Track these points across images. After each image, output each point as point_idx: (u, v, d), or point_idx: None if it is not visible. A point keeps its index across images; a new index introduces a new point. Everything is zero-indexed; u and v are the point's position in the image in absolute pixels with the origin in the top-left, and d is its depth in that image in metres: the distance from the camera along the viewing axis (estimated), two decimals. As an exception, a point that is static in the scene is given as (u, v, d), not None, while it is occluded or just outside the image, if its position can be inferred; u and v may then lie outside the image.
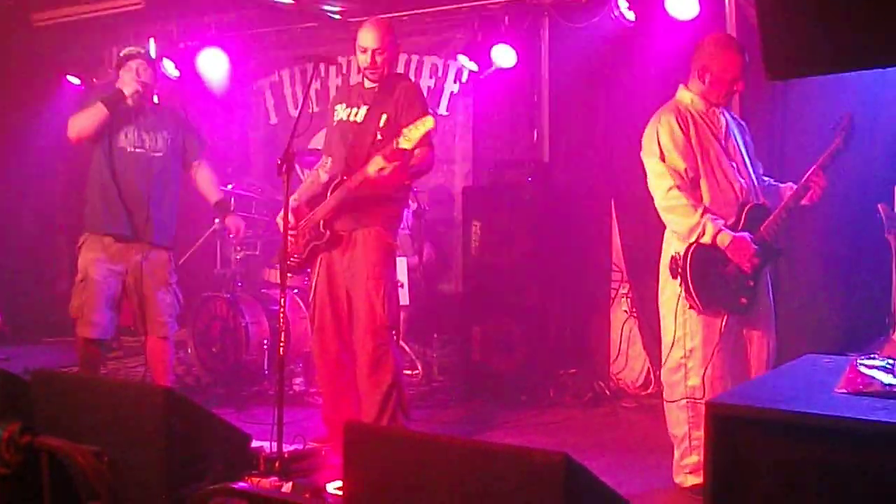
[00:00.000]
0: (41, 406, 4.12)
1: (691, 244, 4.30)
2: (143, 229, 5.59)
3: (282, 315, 4.57)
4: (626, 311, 6.71)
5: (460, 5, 7.55)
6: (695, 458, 4.30)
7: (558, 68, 7.27)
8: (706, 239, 4.27)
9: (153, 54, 6.01)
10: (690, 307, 4.30)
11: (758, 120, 5.77)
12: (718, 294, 4.31)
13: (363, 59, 4.94)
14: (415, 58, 8.00)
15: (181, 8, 8.13)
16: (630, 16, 6.34)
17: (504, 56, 7.25)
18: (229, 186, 7.30)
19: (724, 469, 2.63)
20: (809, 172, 4.33)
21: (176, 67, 8.33)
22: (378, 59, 4.90)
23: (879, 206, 5.16)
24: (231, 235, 6.14)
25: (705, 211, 4.32)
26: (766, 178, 4.65)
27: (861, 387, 2.83)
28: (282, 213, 4.80)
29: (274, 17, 8.29)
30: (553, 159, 7.30)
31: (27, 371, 4.42)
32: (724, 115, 4.52)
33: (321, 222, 4.90)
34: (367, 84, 5.02)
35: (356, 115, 4.96)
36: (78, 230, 8.86)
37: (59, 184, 9.89)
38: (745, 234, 4.31)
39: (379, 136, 4.75)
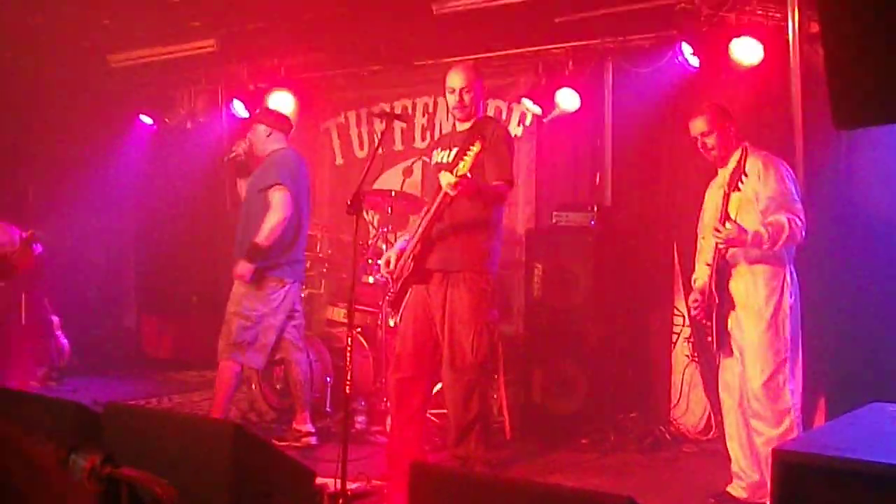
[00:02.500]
0: (111, 438, 4.23)
1: None
2: None
3: (348, 352, 4.64)
4: (687, 355, 6.69)
5: (525, 49, 7.64)
6: None
7: (621, 112, 7.31)
8: None
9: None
10: None
11: (821, 169, 5.80)
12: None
13: (451, 100, 5.24)
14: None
15: (251, 50, 8.32)
16: (694, 62, 6.37)
17: (568, 100, 7.31)
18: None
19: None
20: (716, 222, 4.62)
21: (245, 108, 8.53)
22: (465, 97, 5.18)
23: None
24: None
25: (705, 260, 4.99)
26: None
27: (928, 436, 2.82)
28: (389, 252, 5.26)
29: (341, 59, 8.46)
30: (615, 202, 7.32)
31: (96, 403, 4.53)
32: (721, 171, 4.98)
33: (410, 255, 5.04)
34: (459, 127, 5.28)
35: (448, 156, 5.17)
36: (147, 266, 9.15)
37: (130, 220, 10.16)
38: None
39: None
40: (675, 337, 6.79)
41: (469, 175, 4.60)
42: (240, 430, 4.12)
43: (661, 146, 7.07)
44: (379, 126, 8.68)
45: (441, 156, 5.26)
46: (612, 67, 7.34)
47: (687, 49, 6.34)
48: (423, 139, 8.59)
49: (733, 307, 4.72)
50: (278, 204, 6.04)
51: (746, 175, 4.52)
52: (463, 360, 5.05)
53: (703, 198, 5.17)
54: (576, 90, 7.26)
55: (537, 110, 7.54)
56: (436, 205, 4.97)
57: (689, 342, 6.66)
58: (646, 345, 6.94)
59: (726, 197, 4.56)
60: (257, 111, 6.53)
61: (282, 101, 8.44)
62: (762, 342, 4.64)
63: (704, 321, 4.87)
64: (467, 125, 5.22)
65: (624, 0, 6.53)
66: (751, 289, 4.70)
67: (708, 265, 4.88)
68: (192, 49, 8.11)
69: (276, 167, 6.19)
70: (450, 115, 7.96)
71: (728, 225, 4.48)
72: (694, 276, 5.13)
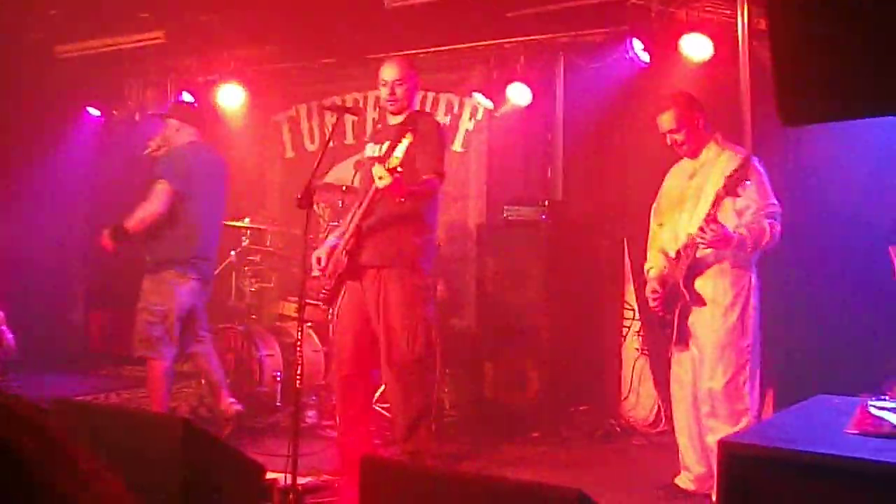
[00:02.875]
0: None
1: None
2: None
3: (299, 347, 4.61)
4: (637, 348, 6.75)
5: (476, 44, 7.65)
6: None
7: (573, 107, 7.36)
8: None
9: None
10: None
11: (770, 162, 5.86)
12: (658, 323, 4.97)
13: (384, 92, 5.15)
14: (430, 95, 8.10)
15: (201, 42, 8.23)
16: (645, 57, 6.42)
17: (519, 94, 7.35)
18: (246, 220, 7.37)
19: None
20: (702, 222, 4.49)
21: (195, 101, 8.45)
22: (398, 90, 5.09)
23: (891, 248, 5.20)
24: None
25: (662, 248, 4.94)
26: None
27: (871, 428, 2.87)
28: (320, 249, 5.12)
29: (292, 52, 8.41)
30: (566, 197, 7.36)
31: (43, 399, 4.47)
32: (691, 161, 4.89)
33: (343, 251, 5.00)
34: (392, 120, 5.19)
35: (380, 150, 5.09)
36: (94, 260, 9.03)
37: (77, 213, 10.01)
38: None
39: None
40: (625, 331, 6.84)
41: (400, 168, 4.50)
42: (188, 425, 4.09)
43: (611, 141, 7.13)
44: (330, 119, 8.67)
45: (374, 150, 5.17)
46: (564, 62, 7.37)
47: (637, 44, 6.38)
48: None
49: (697, 304, 4.66)
50: (154, 197, 6.01)
51: (749, 182, 4.38)
52: (400, 357, 4.98)
53: (659, 185, 5.15)
54: (527, 85, 7.29)
55: (489, 104, 7.56)
56: (367, 199, 4.91)
57: (639, 336, 6.72)
58: (596, 338, 6.99)
59: (719, 199, 4.42)
60: (168, 106, 6.45)
61: (232, 94, 8.39)
62: (726, 343, 4.60)
63: (663, 314, 4.82)
64: (400, 118, 5.16)
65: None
66: (719, 289, 4.64)
67: (665, 253, 4.85)
68: (141, 40, 8.01)
69: (165, 163, 6.13)
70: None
71: (713, 226, 4.39)
72: (647, 265, 5.06)
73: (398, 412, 5.10)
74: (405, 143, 4.55)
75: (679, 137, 4.77)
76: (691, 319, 4.71)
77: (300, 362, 4.63)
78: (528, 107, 7.45)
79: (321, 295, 5.20)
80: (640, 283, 6.61)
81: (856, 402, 3.41)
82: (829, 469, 2.56)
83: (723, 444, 2.74)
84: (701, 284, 4.66)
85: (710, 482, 4.75)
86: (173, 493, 3.91)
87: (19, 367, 8.63)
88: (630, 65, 6.57)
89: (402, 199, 4.75)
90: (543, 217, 6.75)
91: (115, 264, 9.75)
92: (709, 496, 4.77)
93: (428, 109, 8.11)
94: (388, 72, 5.14)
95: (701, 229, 4.43)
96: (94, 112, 9.26)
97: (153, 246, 6.11)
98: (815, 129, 5.73)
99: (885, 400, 3.11)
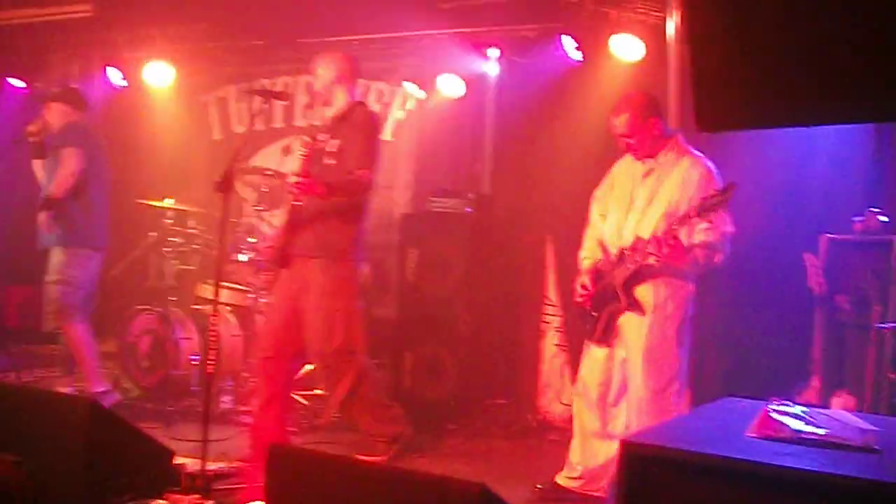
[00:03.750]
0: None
1: None
2: None
3: (212, 331, 4.56)
4: (556, 344, 6.78)
5: (411, 33, 7.61)
6: None
7: (505, 101, 7.37)
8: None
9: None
10: None
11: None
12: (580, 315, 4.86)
13: (317, 84, 5.29)
14: (361, 82, 8.04)
15: (129, 18, 8.08)
16: (576, 55, 6.46)
17: (451, 86, 7.35)
18: (170, 201, 7.25)
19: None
20: (654, 237, 4.36)
21: (122, 78, 8.31)
22: (321, 86, 5.27)
23: (806, 255, 5.31)
24: None
25: (600, 242, 4.82)
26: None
27: (771, 432, 2.92)
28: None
29: (221, 32, 8.28)
30: (494, 190, 7.38)
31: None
32: (644, 162, 4.68)
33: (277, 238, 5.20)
34: (330, 112, 5.29)
35: (322, 142, 5.18)
36: (10, 235, 8.88)
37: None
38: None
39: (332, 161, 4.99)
40: (545, 326, 6.87)
41: (300, 179, 4.78)
42: (95, 407, 4.03)
43: (541, 137, 7.13)
44: (258, 104, 8.56)
45: (321, 138, 5.25)
46: (498, 56, 7.36)
47: (568, 42, 6.41)
48: (305, 117, 8.49)
49: (636, 311, 4.49)
50: (67, 160, 6.19)
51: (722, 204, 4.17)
52: (321, 346, 5.06)
53: (588, 183, 5.04)
54: (460, 76, 7.29)
55: (420, 94, 7.55)
56: (290, 198, 5.09)
57: (558, 332, 6.75)
58: (516, 333, 7.01)
59: (688, 219, 4.22)
60: (53, 91, 6.54)
61: (159, 72, 8.25)
62: (661, 352, 4.47)
63: (590, 310, 4.69)
64: (340, 109, 5.25)
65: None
66: (660, 298, 4.48)
67: (603, 247, 4.75)
68: (68, 12, 7.85)
69: (67, 131, 6.30)
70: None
71: (671, 242, 4.24)
72: (582, 254, 4.89)
73: (328, 397, 5.36)
74: (302, 153, 4.96)
75: (632, 142, 4.62)
76: (622, 321, 4.57)
77: (213, 346, 4.56)
78: (460, 99, 7.45)
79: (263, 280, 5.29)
80: (564, 278, 6.66)
81: (761, 406, 3.48)
82: (728, 471, 2.59)
83: (624, 443, 2.76)
84: (642, 291, 4.50)
85: (598, 482, 4.73)
86: (78, 476, 3.85)
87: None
88: (562, 62, 6.60)
89: (323, 196, 4.87)
90: (468, 209, 6.75)
91: (26, 240, 9.57)
92: (593, 497, 4.73)
93: (357, 96, 8.09)
94: (318, 68, 5.29)
95: (658, 244, 4.26)
96: (17, 83, 9.02)
97: (67, 218, 6.23)
98: (739, 134, 5.83)
99: (787, 405, 3.16)
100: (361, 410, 5.36)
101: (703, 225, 4.31)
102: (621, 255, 4.56)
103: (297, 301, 5.12)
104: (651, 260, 4.40)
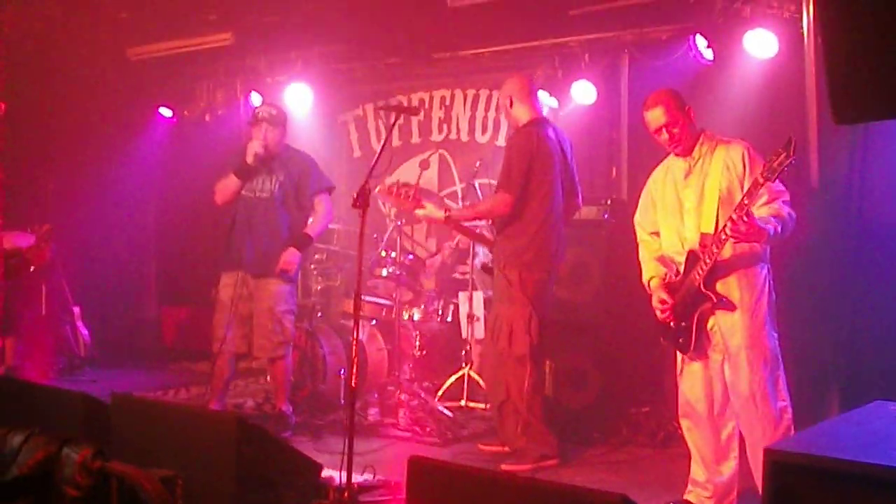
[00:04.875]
0: (119, 428, 4.28)
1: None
2: (243, 262, 6.29)
3: (354, 345, 4.65)
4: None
5: (541, 42, 7.62)
6: None
7: (638, 105, 7.24)
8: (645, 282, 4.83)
9: (280, 112, 6.52)
10: None
11: (836, 159, 5.75)
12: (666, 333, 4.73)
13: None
14: (496, 93, 8.09)
15: (268, 43, 8.36)
16: (708, 54, 6.34)
17: (584, 92, 7.31)
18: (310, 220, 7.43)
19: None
20: (728, 218, 4.21)
21: (263, 101, 8.57)
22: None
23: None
24: (279, 269, 6.21)
25: (660, 259, 4.75)
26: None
27: (929, 438, 2.79)
28: None
29: (358, 51, 8.48)
30: (631, 196, 7.28)
31: (114, 394, 4.55)
32: (685, 160, 4.59)
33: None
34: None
35: None
36: (168, 258, 9.25)
37: (150, 213, 10.24)
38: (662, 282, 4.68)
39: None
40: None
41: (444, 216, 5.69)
42: (242, 423, 4.16)
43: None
44: (388, 119, 8.74)
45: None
46: (629, 60, 7.29)
47: (701, 42, 6.32)
48: (441, 132, 8.61)
49: (726, 308, 4.38)
50: (325, 203, 6.53)
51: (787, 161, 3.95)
52: (501, 347, 5.59)
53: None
54: (592, 83, 7.25)
55: (553, 103, 7.52)
56: None
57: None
58: (657, 338, 6.87)
59: (757, 187, 4.06)
60: (269, 112, 6.38)
61: (299, 94, 8.49)
62: (757, 342, 4.37)
63: (677, 323, 4.56)
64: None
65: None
66: (743, 288, 4.40)
67: (667, 261, 4.69)
68: (210, 42, 8.16)
69: (316, 170, 6.59)
70: (467, 109, 8.28)
71: (746, 219, 4.07)
72: (646, 276, 4.81)
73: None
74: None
75: (675, 131, 4.51)
76: (712, 324, 4.46)
77: (354, 361, 4.64)
78: (593, 105, 7.41)
79: None
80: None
81: (915, 410, 3.33)
82: (883, 481, 2.49)
83: (768, 451, 2.68)
84: (723, 286, 4.39)
85: (729, 496, 4.62)
86: (228, 490, 3.99)
87: (93, 363, 8.87)
88: (694, 62, 6.49)
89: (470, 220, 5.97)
90: (606, 216, 6.69)
91: (187, 262, 10.00)
92: None
93: (492, 108, 8.16)
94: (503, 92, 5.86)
95: (734, 223, 4.11)
96: (166, 113, 9.45)
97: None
98: (883, 126, 5.61)
99: (941, 407, 3.02)
100: (514, 421, 5.54)
101: (763, 199, 4.23)
102: (692, 257, 4.45)
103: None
104: (726, 251, 4.32)
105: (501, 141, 8.08)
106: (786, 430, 4.38)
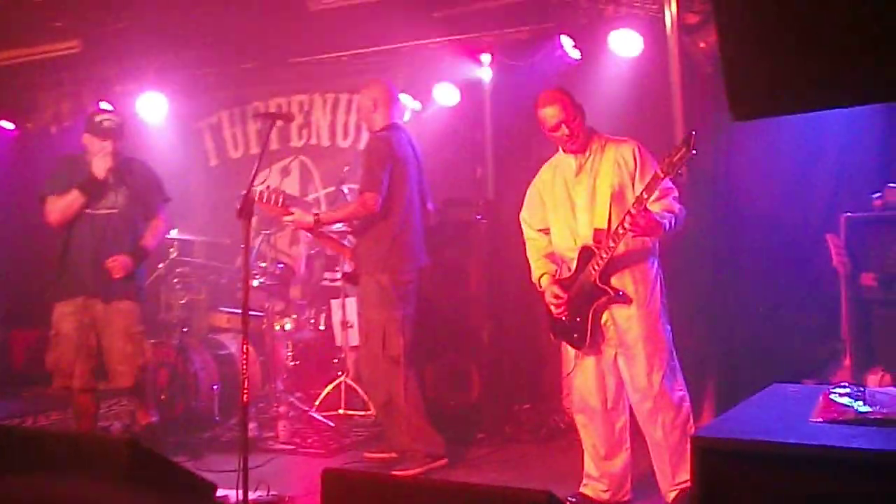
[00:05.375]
0: (3, 460, 4.02)
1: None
2: (92, 286, 5.72)
3: (244, 359, 4.52)
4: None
5: (402, 45, 7.58)
6: None
7: (501, 105, 7.33)
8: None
9: (123, 121, 6.06)
10: None
11: (701, 156, 5.91)
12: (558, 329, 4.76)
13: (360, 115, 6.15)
14: (356, 97, 8.02)
15: (117, 52, 8.02)
16: (575, 54, 6.44)
17: (446, 94, 7.32)
18: (174, 232, 7.21)
19: (710, 500, 2.67)
20: (626, 214, 4.28)
21: (114, 111, 8.25)
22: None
23: (828, 236, 5.30)
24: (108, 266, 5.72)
25: (549, 255, 4.80)
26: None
27: (836, 415, 2.90)
28: None
29: (212, 57, 8.24)
30: (498, 195, 7.34)
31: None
32: (576, 157, 4.65)
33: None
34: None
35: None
36: (12, 278, 8.71)
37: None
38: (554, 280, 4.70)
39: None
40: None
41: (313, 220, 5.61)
42: (135, 445, 3.96)
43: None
44: (253, 126, 8.57)
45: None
46: (491, 61, 7.32)
47: (567, 42, 6.40)
48: (301, 138, 8.49)
49: (623, 302, 4.45)
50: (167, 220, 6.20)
51: (687, 154, 4.04)
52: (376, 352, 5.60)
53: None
54: (454, 84, 7.27)
55: (416, 105, 7.51)
56: None
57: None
58: (536, 335, 6.96)
59: (656, 181, 4.13)
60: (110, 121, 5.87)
61: (152, 103, 8.21)
62: (653, 333, 4.46)
63: (571, 319, 4.58)
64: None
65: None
66: (638, 282, 4.48)
67: (558, 258, 4.73)
68: (56, 50, 7.77)
69: (158, 181, 6.16)
70: (327, 114, 8.22)
71: (644, 214, 4.17)
72: (537, 274, 4.81)
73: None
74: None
75: (573, 127, 4.55)
76: (606, 318, 4.52)
77: (245, 375, 4.50)
78: (456, 107, 7.43)
79: None
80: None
81: (813, 390, 3.46)
82: (800, 458, 2.57)
83: (695, 439, 2.73)
84: (618, 280, 4.46)
85: (623, 487, 4.73)
86: (123, 518, 3.80)
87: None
88: (559, 62, 6.58)
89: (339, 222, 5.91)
90: (479, 217, 6.72)
91: (32, 282, 9.49)
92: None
93: (353, 111, 8.10)
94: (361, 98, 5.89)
95: (633, 217, 4.18)
96: (7, 125, 8.97)
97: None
98: (745, 123, 5.83)
99: (845, 387, 3.15)
100: (398, 422, 5.55)
101: (658, 191, 4.27)
102: (585, 252, 4.50)
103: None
104: (620, 246, 4.39)
105: (363, 145, 8.02)
106: (685, 418, 4.48)
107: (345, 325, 7.00)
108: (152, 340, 6.97)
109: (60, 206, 5.70)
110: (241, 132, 8.73)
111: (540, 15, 6.72)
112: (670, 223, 4.34)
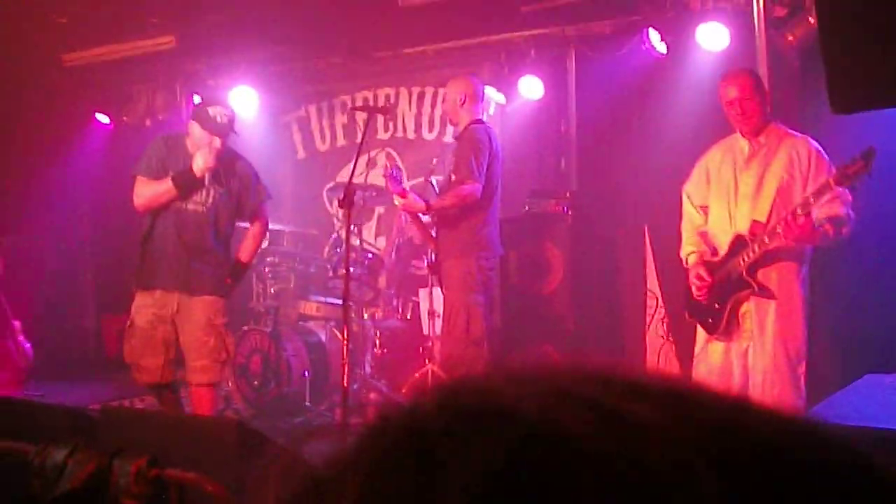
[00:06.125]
0: (109, 442, 4.20)
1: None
2: (173, 280, 5.44)
3: (345, 345, 4.65)
4: (661, 335, 6.80)
5: (487, 38, 7.69)
6: None
7: (585, 98, 7.39)
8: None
9: (235, 117, 5.76)
10: None
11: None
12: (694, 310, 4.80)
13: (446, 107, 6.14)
14: (441, 91, 8.13)
15: (210, 46, 8.25)
16: (661, 48, 6.48)
17: (531, 88, 7.40)
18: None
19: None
20: (785, 215, 4.26)
21: (213, 103, 8.48)
22: (447, 108, 6.02)
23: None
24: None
25: (702, 234, 4.78)
26: None
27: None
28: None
29: (300, 52, 8.43)
30: (582, 187, 7.41)
31: (84, 407, 4.47)
32: (749, 141, 4.60)
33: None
34: (455, 135, 5.99)
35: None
36: (106, 266, 8.93)
37: (85, 221, 10.02)
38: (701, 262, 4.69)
39: (452, 178, 5.68)
40: (648, 318, 6.89)
41: (400, 201, 5.74)
42: (242, 427, 4.13)
43: (629, 130, 7.16)
44: (341, 119, 8.74)
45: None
46: (575, 55, 7.39)
47: (654, 35, 6.43)
48: (386, 130, 8.62)
49: (766, 296, 4.43)
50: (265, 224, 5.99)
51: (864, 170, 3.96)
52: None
53: (682, 172, 5.00)
54: (539, 78, 7.35)
55: (501, 99, 7.60)
56: None
57: (663, 323, 6.77)
58: (620, 327, 7.04)
59: (825, 189, 4.09)
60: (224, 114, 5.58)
61: (244, 98, 8.41)
62: (792, 332, 4.44)
63: (710, 303, 4.60)
64: (459, 131, 5.93)
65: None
66: (785, 280, 4.46)
67: (711, 240, 4.72)
68: (151, 46, 8.01)
69: (258, 180, 5.84)
70: (412, 107, 8.33)
71: (802, 220, 4.13)
72: (686, 251, 4.81)
73: None
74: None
75: (748, 106, 4.47)
76: (745, 310, 4.52)
77: (346, 361, 4.65)
78: (541, 100, 7.50)
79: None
80: (665, 270, 6.66)
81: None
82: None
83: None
84: (765, 275, 4.44)
85: None
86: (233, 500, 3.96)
87: (37, 376, 8.65)
88: (645, 55, 6.62)
89: (425, 212, 5.82)
90: (565, 209, 6.80)
91: (125, 270, 9.80)
92: None
93: (439, 105, 8.19)
94: (449, 93, 6.02)
95: (788, 221, 4.16)
96: (103, 119, 9.26)
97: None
98: (834, 120, 5.79)
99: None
100: None
101: (827, 197, 4.19)
102: (739, 241, 4.50)
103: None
104: (774, 243, 4.34)
105: (449, 137, 8.12)
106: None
107: (432, 314, 7.10)
108: (244, 327, 7.22)
109: (149, 192, 5.42)
110: (328, 125, 8.91)
111: (626, 8, 6.76)
112: (827, 233, 4.28)
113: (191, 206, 5.41)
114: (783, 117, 6.09)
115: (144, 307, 5.48)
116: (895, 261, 5.71)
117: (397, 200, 5.76)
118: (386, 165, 5.80)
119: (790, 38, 5.94)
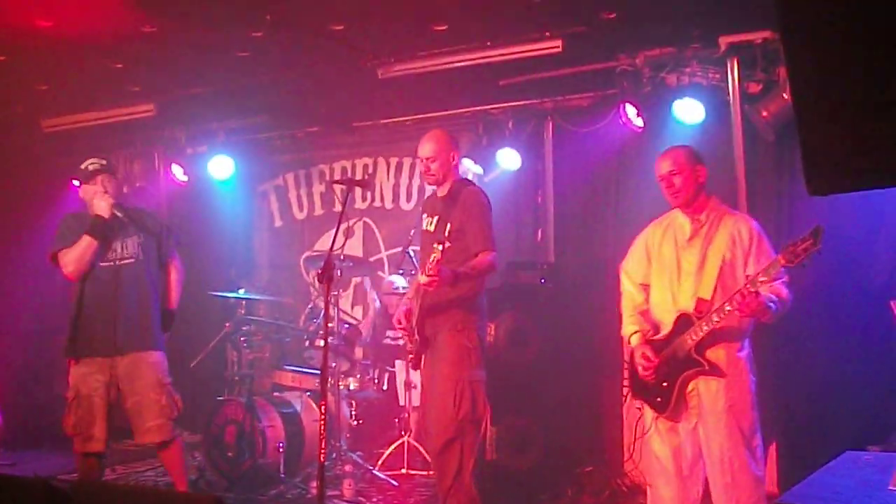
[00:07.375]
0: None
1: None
2: (116, 341, 5.45)
3: (322, 417, 4.60)
4: (638, 407, 6.77)
5: (465, 110, 7.78)
6: None
7: (563, 170, 7.48)
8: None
9: (110, 162, 5.94)
10: None
11: (763, 223, 5.99)
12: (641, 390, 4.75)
13: (421, 167, 5.29)
14: (418, 161, 8.19)
15: (189, 114, 8.29)
16: (638, 122, 6.56)
17: (509, 159, 7.47)
18: (241, 291, 7.39)
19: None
20: (736, 292, 4.27)
21: (184, 173, 8.51)
22: (432, 166, 5.16)
23: (892, 302, 5.31)
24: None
25: (643, 312, 4.75)
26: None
27: (914, 484, 2.95)
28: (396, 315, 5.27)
29: (278, 122, 8.50)
30: (558, 259, 7.45)
31: (41, 477, 4.39)
32: (690, 219, 4.61)
33: (414, 327, 5.14)
34: (440, 192, 5.26)
35: (430, 224, 5.20)
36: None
37: (60, 287, 9.92)
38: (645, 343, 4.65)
39: (447, 244, 4.75)
40: (625, 389, 6.87)
41: (435, 274, 4.65)
42: (220, 502, 4.08)
43: (606, 200, 7.24)
44: (319, 188, 8.77)
45: (426, 222, 5.27)
46: (552, 127, 7.48)
47: (631, 110, 6.52)
48: (364, 200, 8.67)
49: (716, 375, 4.40)
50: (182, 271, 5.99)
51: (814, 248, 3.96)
52: (447, 414, 5.02)
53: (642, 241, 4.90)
54: (516, 150, 7.42)
55: (479, 170, 7.66)
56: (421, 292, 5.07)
57: (638, 394, 6.75)
58: (598, 398, 7.01)
59: (775, 267, 4.10)
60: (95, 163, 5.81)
61: (222, 165, 8.44)
62: (741, 411, 4.41)
63: (658, 383, 4.57)
64: (445, 189, 5.20)
65: (567, 63, 6.69)
66: (731, 358, 4.44)
67: (652, 320, 4.70)
68: (131, 113, 8.03)
69: (169, 227, 6.06)
70: (390, 177, 8.32)
71: (752, 297, 4.14)
72: (628, 331, 4.79)
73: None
74: (438, 251, 4.58)
75: (678, 181, 4.52)
76: (692, 388, 4.47)
77: (323, 434, 4.60)
78: (518, 171, 7.58)
79: (410, 359, 5.28)
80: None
81: (888, 458, 3.50)
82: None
83: (779, 510, 2.79)
84: (713, 354, 4.43)
85: None
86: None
87: (7, 445, 8.50)
88: (622, 128, 6.70)
89: (451, 284, 4.86)
90: (542, 280, 6.83)
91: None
92: None
93: (416, 175, 8.23)
94: (423, 149, 5.21)
95: (744, 297, 4.17)
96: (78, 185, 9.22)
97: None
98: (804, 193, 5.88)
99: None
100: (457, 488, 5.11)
101: (774, 274, 4.19)
102: (684, 319, 4.47)
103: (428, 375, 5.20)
104: (723, 321, 4.33)
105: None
106: (760, 499, 4.41)
107: (408, 385, 7.09)
108: (219, 398, 7.16)
109: (74, 255, 5.45)
110: (306, 194, 8.95)
111: (604, 83, 6.86)
112: (777, 308, 4.30)
113: (118, 263, 5.51)
114: (760, 191, 6.22)
115: (89, 375, 5.48)
116: (875, 336, 5.76)
117: (423, 279, 4.88)
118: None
119: (764, 113, 6.04)
